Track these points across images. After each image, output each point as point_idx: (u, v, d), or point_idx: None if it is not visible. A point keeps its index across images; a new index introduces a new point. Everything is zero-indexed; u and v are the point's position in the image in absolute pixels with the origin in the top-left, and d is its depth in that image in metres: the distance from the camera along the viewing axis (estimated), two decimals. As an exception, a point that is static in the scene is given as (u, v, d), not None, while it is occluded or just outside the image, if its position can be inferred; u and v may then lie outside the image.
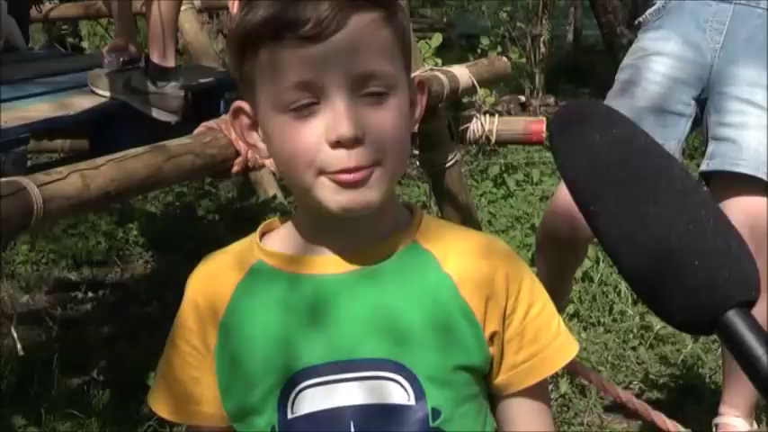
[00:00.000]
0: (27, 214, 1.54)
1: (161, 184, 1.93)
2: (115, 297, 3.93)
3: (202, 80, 2.94)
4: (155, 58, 2.64)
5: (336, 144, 0.93)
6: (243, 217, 4.47)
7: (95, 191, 1.66)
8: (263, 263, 1.04)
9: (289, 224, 1.07)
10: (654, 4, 2.40)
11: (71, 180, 1.63)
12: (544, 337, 1.03)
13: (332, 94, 0.93)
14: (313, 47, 0.93)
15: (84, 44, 6.61)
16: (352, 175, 0.94)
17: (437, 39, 4.55)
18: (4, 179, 1.55)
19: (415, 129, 1.05)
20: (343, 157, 0.93)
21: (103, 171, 1.69)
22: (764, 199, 2.22)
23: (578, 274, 3.94)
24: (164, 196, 4.73)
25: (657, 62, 2.35)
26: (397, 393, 0.97)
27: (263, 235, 1.08)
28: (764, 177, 2.20)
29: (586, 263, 4.06)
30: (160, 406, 1.11)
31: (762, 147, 2.19)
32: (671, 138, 2.31)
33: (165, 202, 4.70)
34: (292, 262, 1.03)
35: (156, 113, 2.66)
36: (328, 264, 1.01)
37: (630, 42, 2.59)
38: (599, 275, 3.96)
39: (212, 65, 4.12)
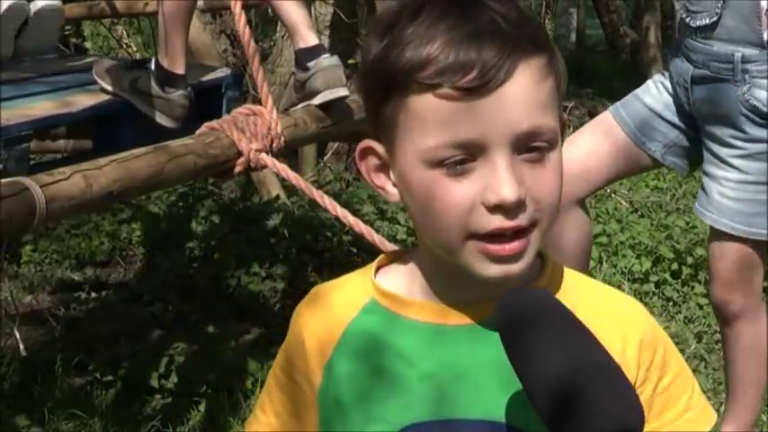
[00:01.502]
0: (30, 214, 1.54)
1: (163, 185, 1.93)
2: (118, 297, 3.93)
3: (205, 79, 2.94)
4: (164, 63, 2.61)
5: (496, 208, 0.85)
6: (246, 217, 4.47)
7: (98, 191, 1.66)
8: (377, 303, 0.96)
9: (408, 263, 0.98)
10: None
11: (74, 180, 1.63)
12: (671, 413, 0.94)
13: (493, 152, 0.84)
14: (477, 101, 0.83)
15: (87, 44, 6.61)
16: (507, 247, 0.86)
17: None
18: (6, 179, 1.56)
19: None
20: (496, 220, 0.85)
21: (106, 171, 1.70)
22: (734, 244, 2.30)
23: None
24: (167, 197, 4.73)
25: (652, 92, 2.44)
26: None
27: (378, 269, 1.00)
28: (725, 229, 2.30)
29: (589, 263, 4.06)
30: None
31: (725, 199, 2.28)
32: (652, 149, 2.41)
33: (168, 202, 4.70)
34: (410, 307, 0.95)
35: (159, 117, 2.64)
36: (448, 313, 0.93)
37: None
38: (601, 276, 3.96)
39: (215, 65, 4.13)
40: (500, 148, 0.84)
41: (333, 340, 0.97)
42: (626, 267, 4.03)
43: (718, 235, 2.34)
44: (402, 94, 0.86)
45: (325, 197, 1.95)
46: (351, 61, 5.37)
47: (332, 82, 2.54)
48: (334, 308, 0.99)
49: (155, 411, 2.95)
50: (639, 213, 4.80)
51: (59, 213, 1.62)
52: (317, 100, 2.54)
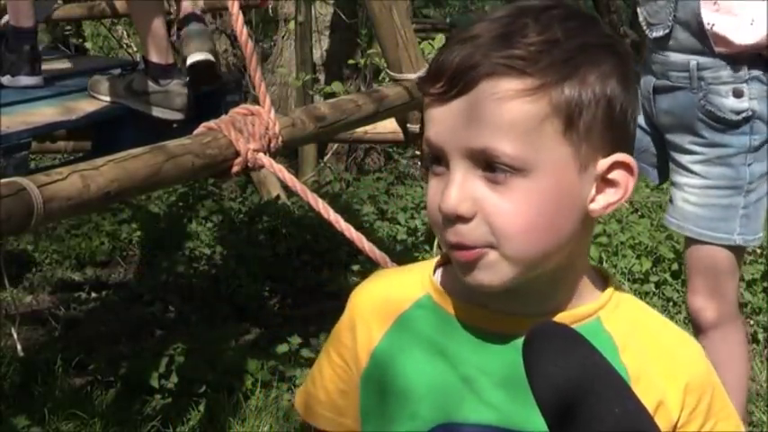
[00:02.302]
0: (27, 215, 1.54)
1: (161, 185, 1.93)
2: (118, 297, 3.93)
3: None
4: (153, 58, 2.64)
5: (445, 216, 0.87)
6: (246, 217, 4.48)
7: (95, 191, 1.66)
8: (431, 299, 0.97)
9: None
10: None
11: (71, 180, 1.63)
12: None
13: (453, 160, 0.86)
14: (441, 107, 0.87)
15: (88, 45, 6.61)
16: (465, 255, 0.87)
17: (440, 40, 4.55)
18: (4, 180, 1.56)
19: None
20: (452, 233, 0.87)
21: (103, 171, 1.70)
22: (706, 251, 2.32)
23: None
24: (167, 197, 4.74)
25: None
26: None
27: (438, 266, 1.00)
28: (691, 235, 2.34)
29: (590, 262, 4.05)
30: (302, 408, 1.09)
31: (687, 205, 2.32)
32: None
33: (168, 202, 4.70)
34: (462, 308, 0.95)
35: (161, 113, 2.65)
36: (497, 322, 0.93)
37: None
38: (601, 275, 3.95)
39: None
40: (457, 158, 0.86)
41: (383, 328, 0.98)
42: (626, 267, 4.03)
43: (690, 242, 2.37)
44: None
45: (320, 200, 1.95)
46: (351, 61, 5.37)
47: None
48: (390, 296, 1.00)
49: (155, 411, 2.95)
50: (639, 213, 4.80)
51: (57, 214, 1.62)
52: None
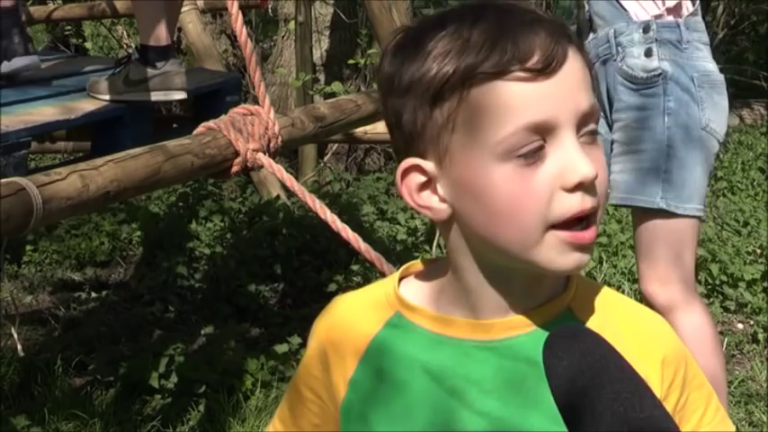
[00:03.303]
0: (27, 215, 1.54)
1: (160, 185, 1.93)
2: (118, 297, 3.93)
3: (205, 84, 2.94)
4: (150, 41, 2.62)
5: (577, 187, 0.84)
6: (246, 217, 4.48)
7: (95, 191, 1.66)
8: (402, 317, 0.95)
9: (433, 275, 0.96)
10: None
11: (70, 180, 1.63)
12: (683, 429, 0.92)
13: (563, 133, 0.85)
14: (544, 82, 0.84)
15: (88, 45, 6.61)
16: (586, 235, 0.86)
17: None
18: (3, 180, 1.56)
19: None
20: (577, 201, 0.85)
21: (103, 171, 1.70)
22: (647, 223, 2.33)
23: (581, 274, 3.93)
24: (167, 197, 4.74)
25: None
26: None
27: (401, 280, 0.98)
28: (618, 202, 2.38)
29: (589, 263, 4.05)
30: None
31: (614, 174, 2.33)
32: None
33: (168, 202, 4.71)
34: (436, 321, 0.93)
35: (162, 95, 2.64)
36: (477, 329, 0.92)
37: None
38: (601, 276, 3.96)
39: (215, 66, 4.14)
40: (568, 127, 0.85)
41: (357, 354, 0.95)
42: (626, 267, 4.03)
43: (636, 220, 2.37)
44: (462, 90, 0.85)
45: (317, 201, 1.94)
46: (351, 61, 5.38)
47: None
48: (357, 320, 0.97)
49: (155, 411, 2.96)
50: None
51: (56, 214, 1.62)
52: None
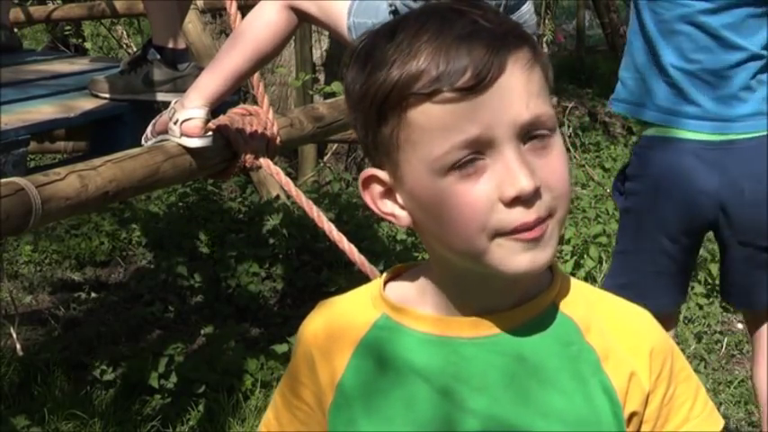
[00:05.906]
0: (26, 215, 1.54)
1: (159, 185, 1.93)
2: (118, 297, 3.93)
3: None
4: (169, 43, 2.61)
5: (514, 201, 0.85)
6: (246, 218, 4.47)
7: (93, 191, 1.67)
8: (389, 319, 0.95)
9: (418, 276, 0.97)
10: None
11: (69, 181, 1.63)
12: (670, 424, 0.95)
13: (501, 146, 0.85)
14: (477, 98, 0.84)
15: (87, 45, 6.61)
16: (533, 232, 0.86)
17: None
18: (3, 180, 1.56)
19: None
20: (520, 214, 0.85)
21: (101, 172, 1.70)
22: None
23: (581, 274, 3.94)
24: (167, 197, 4.74)
25: None
26: None
27: (386, 283, 0.98)
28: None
29: (589, 263, 4.05)
30: None
31: None
32: None
33: (168, 202, 4.71)
34: (422, 321, 0.94)
35: (176, 97, 2.64)
36: (464, 326, 0.92)
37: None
38: (602, 276, 3.95)
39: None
40: (507, 140, 0.85)
41: (344, 357, 0.95)
42: (626, 267, 4.02)
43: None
44: (400, 111, 0.86)
45: (314, 208, 1.95)
46: (351, 61, 5.36)
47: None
48: (344, 323, 0.97)
49: (155, 411, 2.96)
50: (640, 213, 4.79)
51: (55, 214, 1.62)
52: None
